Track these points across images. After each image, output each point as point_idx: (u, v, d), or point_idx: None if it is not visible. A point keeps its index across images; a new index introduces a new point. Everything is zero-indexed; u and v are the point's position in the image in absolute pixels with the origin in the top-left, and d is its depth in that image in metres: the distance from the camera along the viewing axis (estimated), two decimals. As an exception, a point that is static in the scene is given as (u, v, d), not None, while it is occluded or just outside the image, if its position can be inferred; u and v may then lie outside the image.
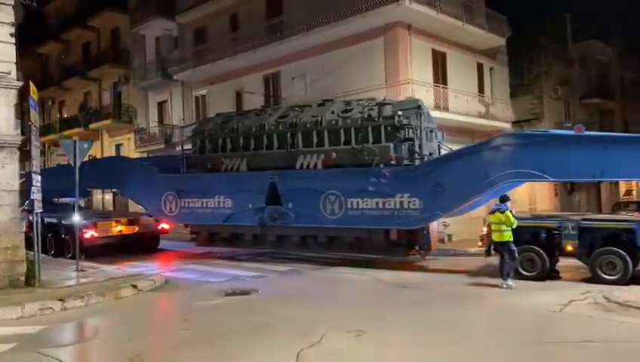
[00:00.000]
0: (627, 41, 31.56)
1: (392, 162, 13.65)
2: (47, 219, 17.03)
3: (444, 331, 7.95)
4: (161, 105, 30.10)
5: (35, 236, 11.63)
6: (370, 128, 14.00)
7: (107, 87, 32.97)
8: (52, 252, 17.02)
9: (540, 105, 25.65)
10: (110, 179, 19.64)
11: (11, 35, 11.41)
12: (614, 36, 30.97)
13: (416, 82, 19.16)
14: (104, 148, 33.05)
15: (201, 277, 13.11)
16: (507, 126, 22.75)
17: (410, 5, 18.64)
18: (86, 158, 16.47)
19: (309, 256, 15.69)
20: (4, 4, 11.27)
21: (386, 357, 6.87)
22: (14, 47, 11.46)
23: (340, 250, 14.97)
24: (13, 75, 11.34)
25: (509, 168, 12.24)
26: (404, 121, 13.78)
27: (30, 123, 11.76)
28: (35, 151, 11.82)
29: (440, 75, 20.92)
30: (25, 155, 12.30)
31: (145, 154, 28.11)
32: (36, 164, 11.89)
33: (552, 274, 12.03)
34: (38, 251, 11.60)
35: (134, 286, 11.18)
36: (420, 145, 13.87)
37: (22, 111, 12.21)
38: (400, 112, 13.82)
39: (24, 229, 11.64)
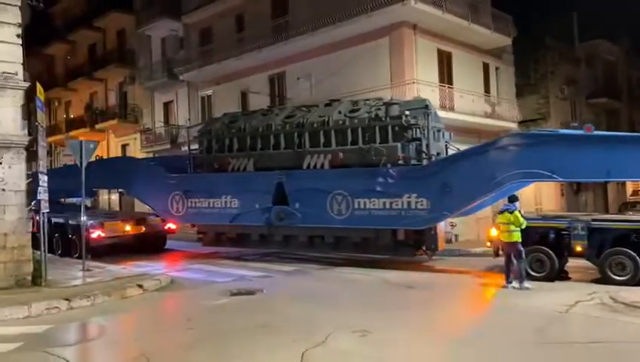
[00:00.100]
0: (634, 41, 31.42)
1: (400, 162, 13.63)
2: (54, 219, 17.09)
3: (449, 331, 7.94)
4: (166, 106, 30.17)
5: (42, 236, 11.67)
6: (377, 128, 13.97)
7: (113, 87, 33.05)
8: (59, 252, 17.08)
9: (547, 105, 25.55)
10: (117, 179, 19.71)
11: (18, 36, 11.46)
12: (621, 35, 30.83)
13: (421, 82, 19.12)
14: (110, 148, 33.16)
15: (207, 277, 13.13)
16: (513, 126, 22.70)
17: (416, 5, 18.61)
18: (92, 158, 16.55)
19: (315, 256, 15.69)
20: (11, 5, 11.33)
21: (391, 357, 6.85)
22: (21, 48, 11.52)
23: (346, 250, 14.94)
24: (20, 75, 11.40)
25: (517, 168, 12.18)
26: (412, 121, 13.74)
27: (37, 123, 11.80)
28: (41, 152, 11.87)
29: (445, 75, 20.88)
30: (32, 156, 12.34)
31: (151, 155, 28.18)
32: (43, 164, 11.94)
33: (561, 275, 11.95)
34: (44, 251, 11.65)
35: (140, 286, 11.21)
36: (428, 145, 13.83)
37: (29, 111, 12.23)
38: (407, 112, 13.78)
39: (31, 229, 11.68)
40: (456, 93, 20.70)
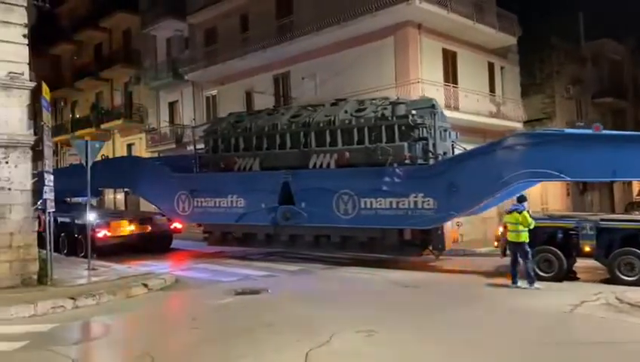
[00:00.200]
0: (640, 40, 31.25)
1: (406, 161, 13.61)
2: (60, 219, 17.18)
3: (454, 331, 7.92)
4: (172, 105, 30.27)
5: (48, 235, 11.73)
6: (383, 127, 13.95)
7: (118, 87, 33.18)
8: (65, 251, 17.11)
9: (552, 105, 25.47)
10: (123, 178, 19.80)
11: (24, 36, 11.52)
12: (627, 35, 30.64)
13: (426, 81, 19.11)
14: (116, 148, 33.27)
15: (212, 277, 13.16)
16: (518, 125, 22.63)
17: (421, 5, 18.59)
18: (98, 158, 16.61)
19: (320, 256, 15.69)
20: (17, 5, 11.39)
21: (395, 357, 6.84)
22: (27, 48, 11.57)
23: (353, 250, 14.93)
24: (26, 75, 11.46)
25: (525, 168, 12.11)
26: (418, 120, 13.72)
27: (42, 123, 11.88)
28: (47, 151, 11.91)
29: (450, 75, 20.85)
30: (38, 155, 12.41)
31: (156, 154, 28.32)
32: (48, 163, 11.98)
33: (569, 275, 11.88)
34: (50, 250, 11.70)
35: (145, 285, 11.25)
36: (434, 145, 13.78)
37: (34, 111, 12.31)
38: (414, 111, 13.74)
39: (37, 228, 11.74)
40: (461, 92, 20.66)
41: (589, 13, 27.02)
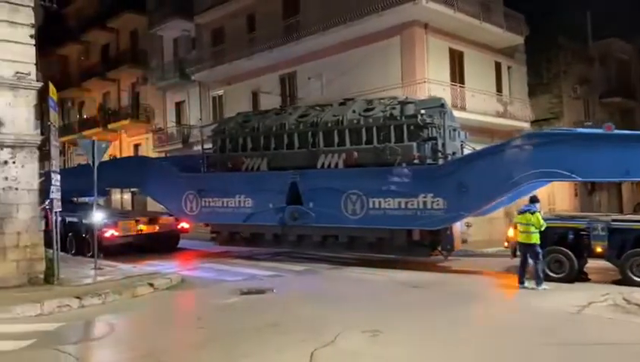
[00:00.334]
0: (648, 39, 31.00)
1: (415, 161, 13.54)
2: (68, 218, 17.25)
3: (460, 331, 7.89)
4: (178, 106, 30.35)
5: (55, 234, 11.77)
6: (392, 127, 13.88)
7: (126, 87, 33.34)
8: (73, 251, 17.14)
9: (559, 105, 25.32)
10: (131, 178, 19.88)
11: (31, 36, 11.57)
12: (635, 34, 30.41)
13: (433, 81, 19.07)
14: (122, 148, 33.41)
15: (218, 276, 13.17)
16: (526, 125, 22.53)
17: (427, 4, 18.55)
18: (107, 158, 16.65)
19: (326, 256, 15.66)
20: (24, 5, 11.44)
21: (400, 357, 6.82)
22: (34, 48, 11.62)
23: (361, 251, 14.86)
24: (33, 75, 11.51)
25: (535, 168, 11.97)
26: (428, 120, 13.64)
27: (49, 123, 11.94)
28: (54, 151, 11.96)
29: (457, 74, 20.78)
30: (44, 155, 12.47)
31: (163, 154, 28.43)
32: (55, 163, 12.01)
33: (580, 276, 11.76)
34: (57, 249, 11.75)
35: (151, 285, 11.27)
36: (444, 145, 13.71)
37: (41, 111, 12.38)
38: (423, 111, 13.65)
39: (43, 228, 11.78)
40: (468, 92, 20.60)
41: (596, 12, 26.86)
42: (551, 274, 11.46)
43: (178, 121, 29.97)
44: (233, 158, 16.60)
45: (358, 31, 19.99)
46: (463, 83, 20.78)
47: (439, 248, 14.00)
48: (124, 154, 32.00)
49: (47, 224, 12.33)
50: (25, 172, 11.27)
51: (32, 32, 11.60)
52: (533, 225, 10.99)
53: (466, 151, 14.57)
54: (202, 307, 10.11)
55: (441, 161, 13.63)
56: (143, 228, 17.59)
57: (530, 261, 11.13)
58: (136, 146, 33.01)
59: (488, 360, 6.74)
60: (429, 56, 19.62)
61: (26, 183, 11.26)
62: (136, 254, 16.39)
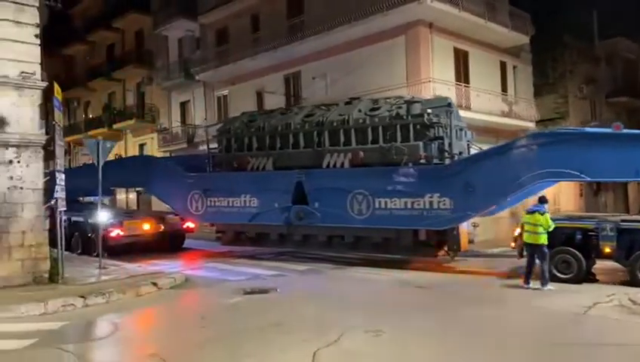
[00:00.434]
0: (655, 39, 30.82)
1: (422, 161, 13.46)
2: (73, 218, 17.32)
3: (464, 332, 7.85)
4: (183, 105, 30.40)
5: (59, 233, 11.80)
6: (398, 126, 13.80)
7: (131, 87, 33.41)
8: (78, 251, 17.15)
9: (565, 105, 25.20)
10: (136, 178, 19.90)
11: (36, 36, 11.60)
12: (642, 33, 30.32)
13: (437, 81, 19.02)
14: (128, 147, 33.50)
15: (222, 276, 13.16)
16: (531, 125, 22.46)
17: (432, 4, 18.50)
18: (112, 157, 16.65)
19: (330, 256, 15.63)
20: (29, 5, 11.47)
21: (404, 357, 6.80)
22: (39, 47, 11.64)
23: (366, 251, 14.79)
24: (38, 75, 11.54)
25: (543, 167, 11.83)
26: (434, 120, 13.55)
27: (54, 122, 11.96)
28: (58, 151, 12.01)
29: (462, 74, 20.72)
30: (49, 154, 12.51)
31: (168, 154, 28.44)
32: (60, 162, 12.08)
33: (588, 277, 11.65)
34: (61, 248, 11.78)
35: (154, 284, 11.28)
36: (450, 144, 13.61)
37: (46, 111, 12.42)
38: (429, 110, 13.57)
39: (48, 227, 11.82)
40: (473, 92, 20.54)
41: (602, 11, 26.74)
42: (559, 274, 11.37)
43: (183, 121, 30.03)
44: (239, 158, 16.59)
45: (363, 30, 19.96)
46: (468, 82, 20.72)
47: (446, 248, 13.91)
48: (130, 154, 32.07)
49: (52, 223, 12.36)
50: (30, 171, 11.30)
51: (37, 31, 11.64)
52: (541, 225, 10.91)
53: (473, 151, 14.48)
54: (206, 306, 10.11)
55: (447, 161, 13.54)
56: (149, 227, 17.60)
57: (537, 261, 11.07)
58: (142, 146, 33.08)
59: (493, 360, 6.70)
60: (434, 55, 19.58)
61: (30, 183, 11.29)
62: (141, 254, 16.41)
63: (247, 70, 24.86)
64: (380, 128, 14.07)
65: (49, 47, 24.44)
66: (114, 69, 33.15)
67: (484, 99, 20.73)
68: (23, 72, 11.26)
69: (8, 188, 11.01)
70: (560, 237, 11.60)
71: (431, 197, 13.06)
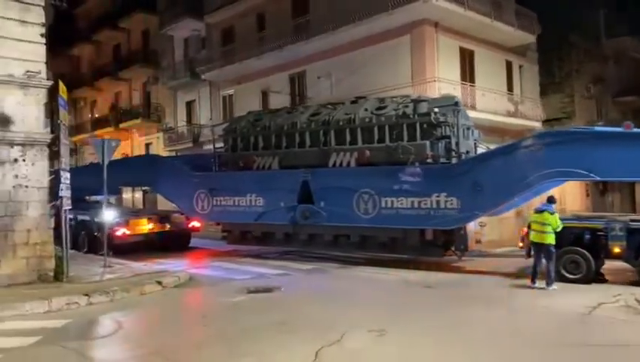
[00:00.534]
0: (663, 38, 30.59)
1: (429, 160, 13.40)
2: (80, 217, 17.38)
3: (467, 332, 7.81)
4: (189, 105, 30.46)
5: (64, 232, 11.84)
6: (405, 125, 13.74)
7: (137, 87, 33.49)
8: (85, 249, 17.17)
9: (571, 104, 25.03)
10: (143, 176, 19.97)
11: (42, 35, 11.66)
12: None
13: (443, 80, 18.95)
14: (134, 147, 33.60)
15: (226, 275, 13.18)
16: (537, 125, 22.34)
17: (437, 3, 18.44)
18: (118, 156, 16.68)
19: (335, 255, 15.60)
20: (35, 5, 11.52)
21: (406, 356, 6.78)
22: (44, 47, 11.71)
23: (372, 250, 14.74)
24: (43, 74, 11.60)
25: (552, 167, 11.70)
26: (441, 118, 13.48)
27: (59, 121, 12.01)
28: (63, 149, 12.04)
29: (468, 73, 20.64)
30: (55, 153, 12.54)
31: (173, 153, 28.55)
32: (65, 161, 12.11)
33: (597, 277, 11.54)
34: (66, 247, 11.82)
35: (159, 283, 11.31)
36: (457, 143, 13.53)
37: (52, 110, 12.47)
38: (436, 109, 13.49)
39: (53, 225, 11.86)
40: (478, 91, 20.44)
41: (610, 10, 26.57)
42: (568, 275, 11.29)
43: (189, 121, 30.08)
44: (244, 157, 16.59)
45: (368, 30, 19.90)
46: (474, 82, 20.63)
47: (453, 248, 13.86)
48: (136, 153, 32.17)
49: (57, 222, 12.40)
50: (35, 170, 11.35)
51: (43, 31, 11.70)
52: (549, 224, 10.85)
53: (480, 151, 14.40)
54: (209, 305, 10.13)
55: (454, 160, 13.48)
56: (154, 226, 17.64)
57: (544, 261, 11.00)
58: (148, 145, 33.17)
59: (498, 360, 6.67)
60: (440, 54, 19.51)
61: (36, 181, 11.34)
62: (147, 253, 16.44)
63: (253, 69, 24.87)
64: (387, 127, 14.01)
65: (56, 47, 24.60)
66: (120, 69, 33.24)
67: (490, 98, 20.63)
68: (28, 71, 11.31)
69: (13, 186, 11.07)
70: (568, 237, 11.49)
71: (438, 196, 12.99)
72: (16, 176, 11.12)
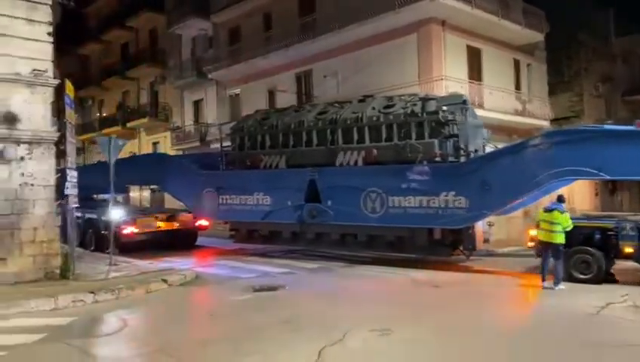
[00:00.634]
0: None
1: (437, 159, 13.29)
2: (87, 215, 17.44)
3: (471, 331, 7.76)
4: (196, 104, 30.55)
5: (70, 230, 11.88)
6: (413, 124, 13.64)
7: (145, 86, 33.59)
8: (92, 247, 17.22)
9: (580, 103, 24.89)
10: (150, 175, 20.01)
11: (49, 34, 11.69)
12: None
13: (450, 78, 18.88)
14: (142, 146, 33.70)
15: (232, 273, 13.18)
16: (545, 124, 22.21)
17: (444, 1, 18.40)
18: (127, 155, 16.72)
19: (340, 254, 15.55)
20: (42, 3, 11.56)
21: (408, 356, 6.74)
22: (51, 45, 11.74)
23: (380, 249, 14.65)
24: (50, 73, 11.63)
25: (562, 166, 11.55)
26: (449, 117, 13.35)
27: (66, 120, 12.05)
28: (70, 148, 12.09)
29: (475, 72, 20.55)
30: (62, 152, 12.59)
31: (181, 152, 28.63)
32: (72, 160, 12.15)
33: (608, 277, 11.38)
34: (72, 245, 11.86)
35: (164, 281, 11.32)
36: (466, 142, 13.45)
37: (58, 108, 12.51)
38: (445, 108, 13.39)
39: (59, 223, 11.90)
40: (486, 90, 20.34)
41: (619, 8, 26.36)
42: (578, 275, 11.16)
43: (196, 120, 30.15)
44: (252, 156, 16.57)
45: (374, 28, 19.87)
46: (481, 80, 20.55)
47: (461, 248, 13.77)
48: (143, 152, 32.27)
49: (64, 220, 12.44)
50: (41, 168, 11.39)
51: (50, 29, 11.73)
52: (559, 223, 10.74)
53: (489, 149, 14.30)
54: (215, 303, 10.12)
55: (463, 159, 13.38)
56: (162, 225, 17.64)
57: (552, 259, 10.91)
58: (155, 144, 33.27)
59: (502, 360, 6.62)
60: (447, 53, 19.43)
61: (42, 179, 11.38)
62: (153, 251, 16.46)
63: (259, 69, 24.90)
64: (395, 126, 13.90)
65: (63, 47, 24.70)
66: (128, 68, 33.37)
67: (498, 97, 20.53)
68: (35, 70, 11.35)
69: (20, 184, 11.10)
70: (578, 236, 11.35)
71: (446, 195, 12.87)
72: (23, 175, 11.15)
